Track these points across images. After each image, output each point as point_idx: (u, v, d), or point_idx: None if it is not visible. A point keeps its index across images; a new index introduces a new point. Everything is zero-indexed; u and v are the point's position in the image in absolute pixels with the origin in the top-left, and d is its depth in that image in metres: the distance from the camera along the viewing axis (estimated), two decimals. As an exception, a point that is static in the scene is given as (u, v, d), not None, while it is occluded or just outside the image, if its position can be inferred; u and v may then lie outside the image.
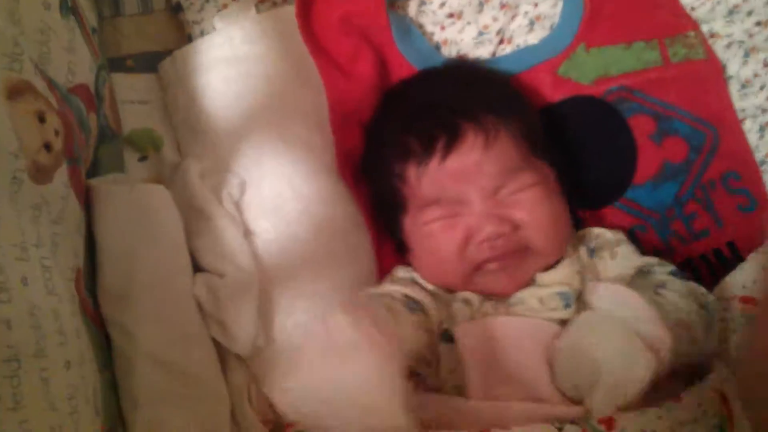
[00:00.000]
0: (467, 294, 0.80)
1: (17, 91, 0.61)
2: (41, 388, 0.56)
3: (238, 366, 0.81)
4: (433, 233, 0.80)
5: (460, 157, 0.78)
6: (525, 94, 0.91)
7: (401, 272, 0.86)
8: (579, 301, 0.77)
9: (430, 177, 0.78)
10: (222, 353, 0.80)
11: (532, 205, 0.79)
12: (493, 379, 0.71)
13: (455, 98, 0.83)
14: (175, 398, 0.74)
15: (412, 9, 0.96)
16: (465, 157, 0.78)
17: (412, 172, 0.80)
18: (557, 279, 0.78)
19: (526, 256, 0.79)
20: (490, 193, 0.78)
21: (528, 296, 0.77)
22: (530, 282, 0.79)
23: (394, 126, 0.84)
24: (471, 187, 0.78)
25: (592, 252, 0.84)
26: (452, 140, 0.78)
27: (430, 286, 0.83)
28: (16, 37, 0.63)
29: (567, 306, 0.75)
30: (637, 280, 0.81)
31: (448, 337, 0.76)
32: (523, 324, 0.75)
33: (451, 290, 0.82)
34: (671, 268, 0.83)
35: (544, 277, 0.79)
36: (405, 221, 0.83)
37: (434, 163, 0.78)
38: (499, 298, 0.79)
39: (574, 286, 0.78)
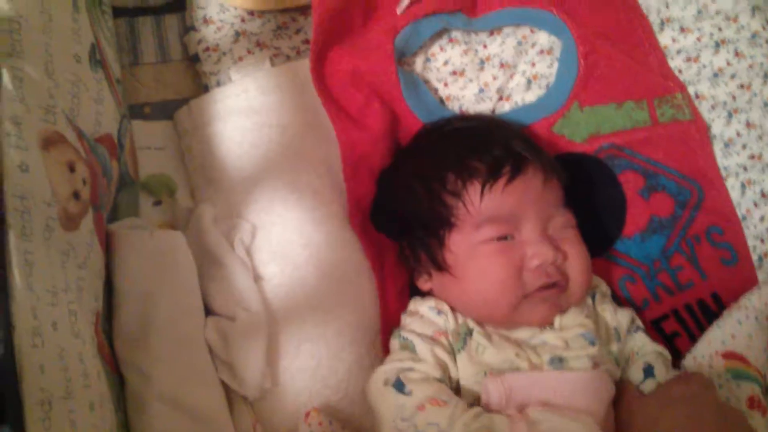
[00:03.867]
0: (485, 331, 0.81)
1: (51, 141, 0.64)
2: (69, 430, 0.58)
3: (245, 407, 0.83)
4: (489, 255, 0.81)
5: (524, 182, 0.82)
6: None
7: (425, 306, 0.85)
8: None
9: (494, 196, 0.81)
10: (229, 394, 0.82)
11: (575, 244, 0.84)
12: None
13: (514, 135, 0.87)
14: (185, 438, 0.76)
15: (418, 65, 1.00)
16: (528, 183, 0.82)
17: (474, 190, 0.81)
18: (575, 323, 0.81)
19: (563, 292, 0.82)
20: (545, 221, 0.82)
21: (551, 339, 0.80)
22: (550, 325, 0.82)
23: (453, 148, 0.86)
24: (529, 209, 0.81)
25: (593, 298, 0.88)
26: (518, 168, 0.82)
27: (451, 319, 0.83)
28: (50, 89, 0.66)
29: (592, 344, 0.79)
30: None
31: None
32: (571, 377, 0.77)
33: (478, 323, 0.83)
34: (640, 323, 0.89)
35: (562, 321, 0.81)
36: (453, 239, 0.83)
37: (500, 184, 0.81)
38: (516, 340, 0.81)
39: (591, 327, 0.81)
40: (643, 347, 0.86)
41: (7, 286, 0.55)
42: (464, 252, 0.82)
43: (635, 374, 0.84)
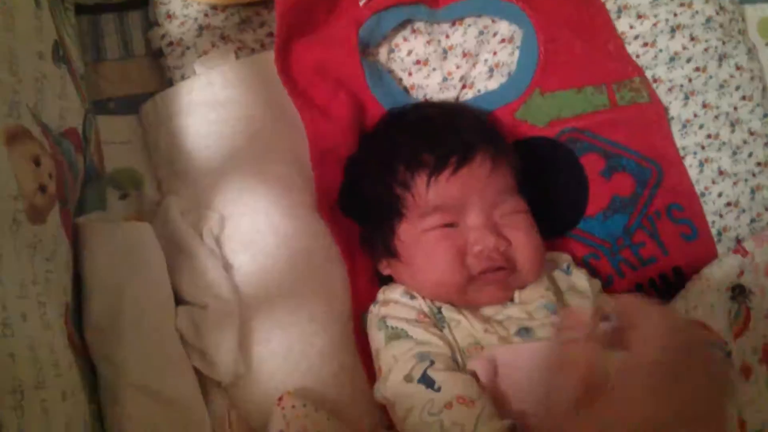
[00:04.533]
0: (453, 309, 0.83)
1: (15, 136, 0.64)
2: (43, 419, 0.59)
3: (219, 393, 0.83)
4: (433, 241, 0.83)
5: (470, 171, 0.83)
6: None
7: (396, 293, 0.86)
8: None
9: (439, 186, 0.83)
10: (203, 381, 0.83)
11: (522, 229, 0.85)
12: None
13: (464, 124, 0.89)
14: (160, 426, 0.76)
15: (382, 56, 1.01)
16: (474, 172, 0.83)
17: (421, 181, 0.84)
18: (535, 295, 0.83)
19: (514, 272, 0.83)
20: (489, 207, 0.83)
21: (515, 312, 0.82)
22: (511, 300, 0.84)
23: (402, 137, 0.88)
24: (474, 197, 0.83)
25: (568, 269, 0.90)
26: (465, 157, 0.83)
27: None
28: (14, 85, 0.66)
29: (554, 313, 0.81)
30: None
31: None
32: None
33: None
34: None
35: (522, 295, 0.83)
36: (402, 228, 0.86)
37: (445, 174, 0.83)
38: (483, 317, 0.82)
39: (551, 298, 0.83)
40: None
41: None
42: (412, 239, 0.85)
43: None
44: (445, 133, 0.86)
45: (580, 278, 0.89)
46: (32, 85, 0.70)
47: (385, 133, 0.93)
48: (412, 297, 0.84)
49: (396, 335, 0.81)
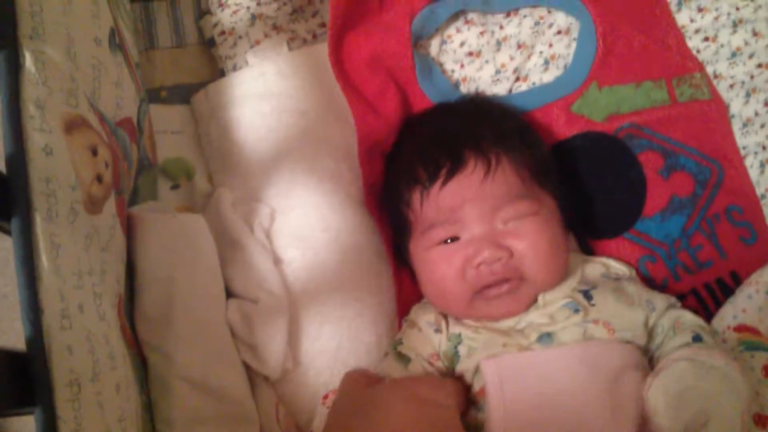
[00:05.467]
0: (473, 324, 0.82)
1: (73, 125, 0.64)
2: (98, 412, 0.58)
3: (267, 387, 0.84)
4: (434, 258, 0.82)
5: (460, 181, 0.81)
6: (536, 129, 0.94)
7: (425, 319, 0.86)
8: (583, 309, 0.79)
9: (431, 201, 0.81)
10: (251, 375, 0.83)
11: (529, 235, 0.80)
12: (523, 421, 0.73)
13: (463, 129, 0.85)
14: (208, 418, 0.77)
15: (434, 48, 0.99)
16: (464, 182, 0.80)
17: (416, 198, 0.83)
18: (559, 296, 0.80)
19: (524, 282, 0.80)
20: (487, 215, 0.80)
21: (536, 317, 0.79)
22: (533, 304, 0.81)
23: (405, 155, 0.88)
24: (468, 208, 0.80)
25: (618, 278, 0.87)
26: (455, 167, 0.81)
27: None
28: (72, 72, 0.65)
29: (576, 311, 0.78)
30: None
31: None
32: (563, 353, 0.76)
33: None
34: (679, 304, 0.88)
35: (546, 297, 0.80)
36: (411, 246, 0.86)
37: (435, 188, 0.81)
38: (503, 330, 0.80)
39: (576, 297, 0.80)
40: (690, 320, 0.83)
41: (35, 268, 0.55)
42: (418, 257, 0.85)
43: (682, 338, 0.80)
44: (440, 143, 0.84)
45: (628, 286, 0.85)
46: (89, 73, 0.70)
47: (395, 147, 0.93)
48: (437, 330, 0.83)
49: (400, 359, 0.83)
